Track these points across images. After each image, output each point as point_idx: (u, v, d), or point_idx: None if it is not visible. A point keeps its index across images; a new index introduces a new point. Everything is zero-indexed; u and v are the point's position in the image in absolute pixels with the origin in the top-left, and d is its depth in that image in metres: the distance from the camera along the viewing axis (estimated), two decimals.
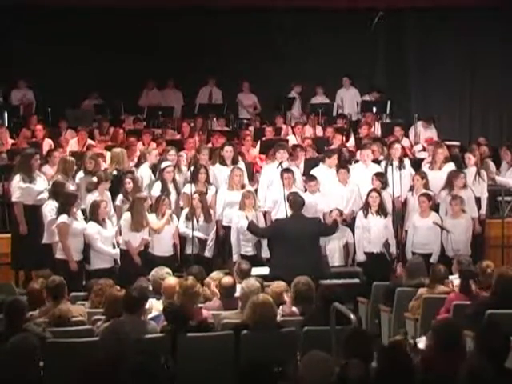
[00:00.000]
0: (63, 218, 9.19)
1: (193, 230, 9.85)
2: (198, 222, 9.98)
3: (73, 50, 15.20)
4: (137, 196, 9.81)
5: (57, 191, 9.59)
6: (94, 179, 10.20)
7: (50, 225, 9.46)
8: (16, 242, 10.11)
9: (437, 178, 10.89)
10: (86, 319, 6.92)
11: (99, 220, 9.34)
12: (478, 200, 10.92)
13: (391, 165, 10.81)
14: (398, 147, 11.33)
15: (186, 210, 10.12)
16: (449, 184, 10.59)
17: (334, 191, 10.79)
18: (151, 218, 9.82)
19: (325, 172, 11.10)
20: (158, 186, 10.48)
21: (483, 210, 11.08)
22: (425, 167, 11.34)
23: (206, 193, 10.36)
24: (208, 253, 10.10)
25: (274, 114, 14.89)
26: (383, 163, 11.30)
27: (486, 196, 11.19)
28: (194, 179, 10.44)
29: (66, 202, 9.28)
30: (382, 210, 10.16)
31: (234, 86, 15.90)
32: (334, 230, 9.75)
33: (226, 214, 10.45)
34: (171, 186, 10.49)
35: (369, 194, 10.22)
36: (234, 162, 11.09)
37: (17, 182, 9.96)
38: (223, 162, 11.07)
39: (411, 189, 10.78)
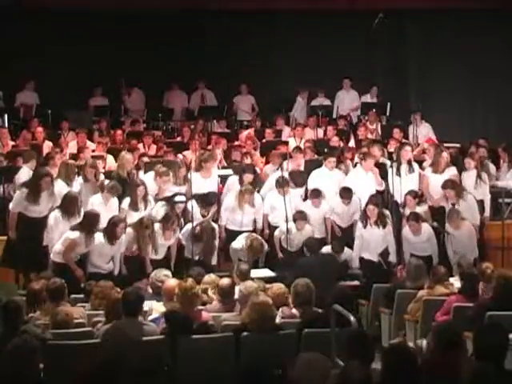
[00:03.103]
0: (76, 235, 9.07)
1: (193, 245, 9.82)
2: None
3: (73, 52, 15.22)
4: (142, 222, 9.58)
5: (68, 205, 9.49)
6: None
7: (50, 231, 9.45)
8: (7, 245, 10.05)
9: (439, 181, 10.87)
10: (85, 321, 6.93)
11: (113, 239, 9.20)
12: (481, 203, 10.93)
13: (398, 168, 10.87)
14: (408, 149, 11.36)
15: (188, 227, 10.02)
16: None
17: (336, 197, 10.79)
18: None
19: (326, 174, 11.16)
20: (162, 211, 10.15)
21: (487, 213, 11.10)
22: (427, 170, 11.32)
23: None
24: (214, 260, 10.08)
25: (274, 116, 14.91)
26: (389, 166, 11.28)
27: (489, 198, 11.21)
28: (203, 207, 10.37)
29: (89, 223, 9.12)
30: (380, 221, 10.12)
31: (234, 87, 15.93)
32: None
33: (231, 219, 10.51)
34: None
35: (366, 205, 10.22)
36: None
37: (19, 195, 9.85)
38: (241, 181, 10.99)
39: (403, 206, 10.67)
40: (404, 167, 11.15)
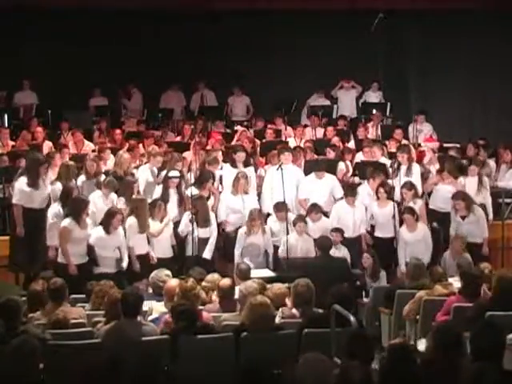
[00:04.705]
0: (66, 222, 9.16)
1: (193, 232, 9.84)
2: (198, 224, 9.93)
3: (73, 52, 15.22)
4: (138, 198, 9.80)
5: (67, 196, 9.55)
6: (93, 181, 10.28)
7: (51, 228, 9.46)
8: (14, 244, 10.07)
9: (446, 190, 10.86)
10: (85, 321, 6.93)
11: (110, 229, 9.28)
12: (483, 207, 10.85)
13: (398, 169, 10.85)
14: (403, 155, 11.21)
15: (187, 213, 10.10)
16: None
17: (342, 214, 10.65)
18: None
19: (316, 181, 11.07)
20: (159, 190, 10.48)
21: (490, 215, 11.08)
22: (433, 177, 11.27)
23: (208, 199, 10.36)
24: (207, 255, 10.07)
25: (274, 116, 14.93)
26: (389, 166, 11.26)
27: (490, 202, 11.20)
28: (199, 185, 10.39)
29: (75, 208, 9.23)
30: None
31: (234, 87, 15.96)
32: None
33: (233, 220, 10.51)
34: (172, 192, 10.45)
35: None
36: (246, 165, 11.08)
37: (20, 185, 9.91)
38: (234, 165, 11.06)
39: (400, 203, 10.63)
40: (403, 168, 11.12)
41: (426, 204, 11.08)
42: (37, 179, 9.90)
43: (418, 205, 10.53)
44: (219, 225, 10.45)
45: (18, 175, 10.10)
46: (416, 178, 11.15)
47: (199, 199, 10.08)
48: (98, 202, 9.89)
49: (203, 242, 10.00)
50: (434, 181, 11.20)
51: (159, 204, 9.89)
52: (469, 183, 11.11)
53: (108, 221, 9.30)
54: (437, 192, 11.02)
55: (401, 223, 10.38)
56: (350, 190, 10.76)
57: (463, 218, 10.38)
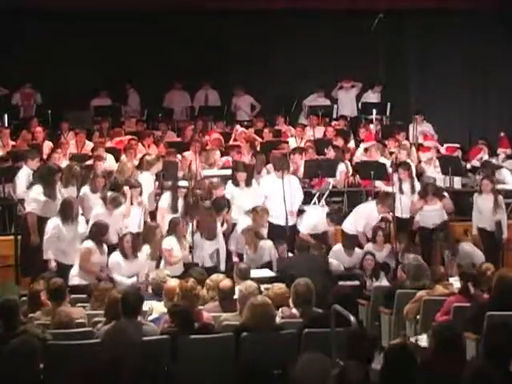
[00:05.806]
0: (90, 243, 9.15)
1: (193, 238, 9.79)
2: (201, 235, 9.89)
3: (73, 53, 15.24)
4: (148, 225, 9.79)
5: (66, 209, 9.45)
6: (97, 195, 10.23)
7: (49, 241, 9.37)
8: (29, 252, 9.91)
9: (432, 209, 10.78)
10: (85, 321, 6.94)
11: (125, 252, 9.23)
12: (498, 224, 10.73)
13: (400, 187, 10.88)
14: (405, 172, 11.07)
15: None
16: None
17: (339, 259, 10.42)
18: (171, 240, 9.69)
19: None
20: (166, 198, 10.42)
21: (505, 234, 10.83)
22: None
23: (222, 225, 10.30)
24: (222, 266, 9.91)
25: (274, 116, 14.94)
26: (389, 166, 11.23)
27: (506, 218, 10.91)
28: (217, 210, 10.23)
29: (98, 233, 9.23)
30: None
31: (234, 87, 15.98)
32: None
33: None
34: (179, 201, 10.42)
35: (364, 257, 10.06)
36: (248, 183, 11.00)
37: (35, 194, 9.82)
38: (236, 183, 10.95)
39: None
40: (406, 186, 11.05)
41: None
42: (53, 189, 9.82)
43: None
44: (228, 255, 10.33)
45: (31, 184, 10.02)
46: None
47: (207, 210, 10.03)
48: (102, 218, 9.72)
49: (210, 253, 9.97)
50: (417, 207, 10.86)
51: (182, 224, 9.81)
52: (483, 201, 10.81)
53: (120, 246, 9.31)
54: (423, 213, 10.80)
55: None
56: (349, 243, 10.54)
57: (454, 255, 10.12)
